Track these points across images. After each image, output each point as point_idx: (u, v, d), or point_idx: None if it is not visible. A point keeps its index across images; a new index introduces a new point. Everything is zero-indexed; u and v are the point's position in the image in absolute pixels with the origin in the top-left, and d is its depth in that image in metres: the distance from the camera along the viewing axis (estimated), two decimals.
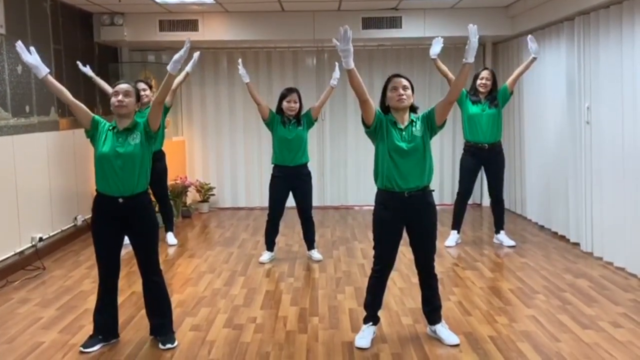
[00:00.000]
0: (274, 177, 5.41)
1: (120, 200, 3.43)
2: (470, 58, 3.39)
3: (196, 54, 5.59)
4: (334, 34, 7.65)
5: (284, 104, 5.27)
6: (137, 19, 7.24)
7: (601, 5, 5.18)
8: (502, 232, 6.01)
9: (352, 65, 3.37)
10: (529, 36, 5.65)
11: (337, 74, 5.43)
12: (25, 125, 5.48)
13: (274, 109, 5.40)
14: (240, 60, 5.53)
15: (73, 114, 3.53)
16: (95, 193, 3.56)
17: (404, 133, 3.49)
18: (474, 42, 3.41)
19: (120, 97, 3.45)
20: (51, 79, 3.42)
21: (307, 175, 5.42)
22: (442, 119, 3.53)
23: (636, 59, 4.74)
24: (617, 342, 3.57)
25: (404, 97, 3.47)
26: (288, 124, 5.30)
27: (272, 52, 8.32)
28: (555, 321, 3.93)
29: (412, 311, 4.12)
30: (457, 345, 3.56)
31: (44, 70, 3.38)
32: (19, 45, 3.34)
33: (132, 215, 3.49)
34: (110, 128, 3.48)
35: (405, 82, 3.51)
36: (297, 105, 5.29)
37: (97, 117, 3.53)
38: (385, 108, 3.58)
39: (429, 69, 8.31)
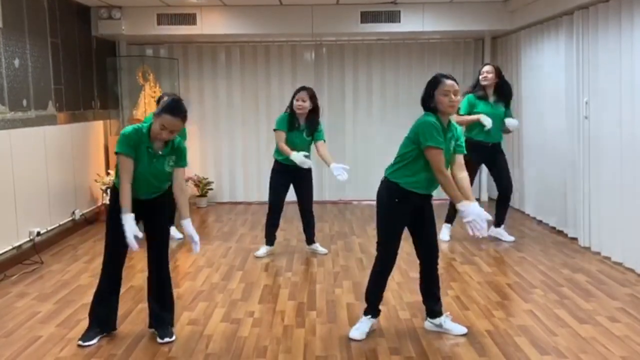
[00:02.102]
0: (274, 171, 5.38)
1: (145, 199, 3.47)
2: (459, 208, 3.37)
3: None
4: (333, 27, 7.71)
5: (294, 102, 5.16)
6: (135, 12, 7.22)
7: None
8: (502, 226, 6.00)
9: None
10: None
11: (343, 176, 5.14)
12: (23, 120, 5.46)
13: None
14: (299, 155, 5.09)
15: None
16: (114, 187, 3.58)
17: (447, 141, 3.44)
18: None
19: (164, 135, 3.34)
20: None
21: (308, 171, 5.33)
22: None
23: (635, 54, 4.74)
24: (614, 336, 3.58)
25: (456, 103, 3.43)
26: (298, 128, 5.18)
27: (270, 46, 8.30)
28: (553, 315, 3.94)
29: (410, 305, 4.13)
30: (464, 335, 3.59)
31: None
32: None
33: (152, 211, 3.53)
34: (146, 148, 3.39)
35: (456, 87, 3.41)
36: (306, 104, 5.13)
37: (130, 149, 3.35)
38: (428, 107, 3.46)
39: (427, 64, 8.31)
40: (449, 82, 3.40)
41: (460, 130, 3.59)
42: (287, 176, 5.33)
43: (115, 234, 3.45)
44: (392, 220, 3.54)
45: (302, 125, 5.21)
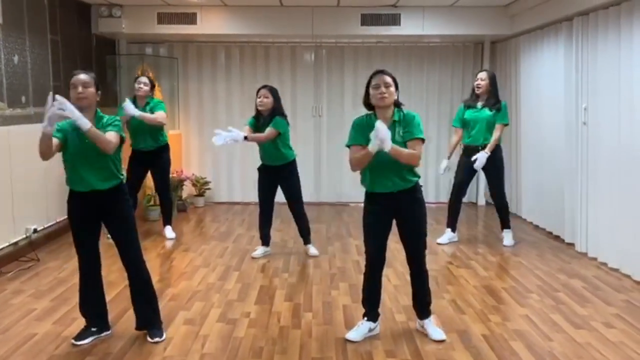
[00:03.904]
0: (259, 171, 5.48)
1: (90, 193, 3.38)
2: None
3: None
4: (333, 29, 7.73)
5: (257, 99, 5.25)
6: (136, 11, 7.22)
7: (600, 6, 5.19)
8: (505, 230, 5.99)
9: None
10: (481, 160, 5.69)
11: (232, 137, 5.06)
12: (22, 116, 5.45)
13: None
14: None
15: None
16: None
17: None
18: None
19: (79, 89, 3.33)
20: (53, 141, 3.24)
21: (289, 172, 5.35)
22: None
23: (634, 61, 4.75)
24: (609, 342, 3.59)
25: (386, 94, 3.44)
26: (263, 123, 5.22)
27: (270, 46, 8.30)
28: (549, 320, 3.95)
29: (406, 308, 4.13)
30: (442, 341, 3.58)
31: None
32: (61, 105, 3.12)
33: (104, 208, 3.45)
34: (72, 129, 3.33)
35: (387, 79, 3.47)
36: (269, 100, 5.18)
37: (58, 134, 3.32)
38: (368, 105, 3.57)
39: (426, 67, 8.32)
40: (378, 75, 3.48)
41: (413, 117, 3.49)
42: (270, 176, 5.38)
43: (77, 238, 3.49)
44: (365, 222, 3.64)
45: (265, 121, 5.24)
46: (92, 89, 3.36)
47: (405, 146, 3.41)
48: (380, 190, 3.51)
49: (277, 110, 5.22)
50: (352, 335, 3.62)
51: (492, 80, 5.79)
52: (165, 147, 6.08)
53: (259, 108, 5.23)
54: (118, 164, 3.48)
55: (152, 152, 5.96)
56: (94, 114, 3.41)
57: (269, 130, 5.15)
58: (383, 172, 3.46)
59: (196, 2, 7.05)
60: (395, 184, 3.47)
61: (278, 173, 5.35)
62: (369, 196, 3.59)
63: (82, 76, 3.35)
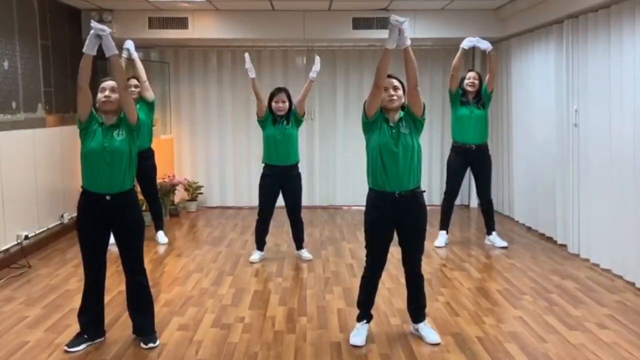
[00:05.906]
0: (263, 176, 5.44)
1: (108, 197, 3.41)
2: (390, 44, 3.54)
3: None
4: (324, 33, 7.71)
5: (273, 104, 5.31)
6: (126, 16, 7.19)
7: (590, 9, 5.23)
8: (493, 233, 6.04)
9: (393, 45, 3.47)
10: (470, 38, 5.89)
11: (317, 66, 5.43)
12: (12, 122, 5.42)
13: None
14: (247, 55, 5.46)
15: (78, 99, 3.47)
16: (81, 190, 3.53)
17: (393, 131, 3.51)
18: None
19: (106, 92, 3.48)
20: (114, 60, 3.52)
21: (297, 177, 5.43)
22: (417, 109, 3.53)
23: (624, 63, 4.79)
24: (602, 343, 3.61)
25: (395, 97, 3.51)
26: (278, 123, 5.31)
27: (262, 51, 8.30)
28: (542, 322, 3.96)
29: (401, 311, 4.12)
30: (437, 344, 3.58)
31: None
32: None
33: (118, 213, 3.47)
34: (99, 124, 3.48)
35: (396, 83, 3.54)
36: (286, 104, 5.31)
37: (94, 111, 3.53)
38: None
39: (417, 70, 8.32)
40: (387, 79, 3.54)
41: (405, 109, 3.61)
42: (277, 181, 5.36)
43: (89, 241, 3.49)
44: (368, 227, 3.61)
45: (282, 120, 5.33)
46: (118, 95, 3.48)
47: (413, 139, 3.53)
48: (388, 189, 3.48)
49: (291, 109, 5.37)
50: (357, 340, 3.60)
51: (482, 79, 5.93)
52: (150, 152, 6.06)
53: (278, 113, 5.29)
54: (133, 169, 3.52)
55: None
56: (119, 118, 3.51)
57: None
58: (397, 169, 3.47)
59: (187, 6, 7.04)
60: (406, 182, 3.48)
61: (287, 174, 5.34)
62: (373, 199, 3.56)
63: (111, 82, 3.52)
